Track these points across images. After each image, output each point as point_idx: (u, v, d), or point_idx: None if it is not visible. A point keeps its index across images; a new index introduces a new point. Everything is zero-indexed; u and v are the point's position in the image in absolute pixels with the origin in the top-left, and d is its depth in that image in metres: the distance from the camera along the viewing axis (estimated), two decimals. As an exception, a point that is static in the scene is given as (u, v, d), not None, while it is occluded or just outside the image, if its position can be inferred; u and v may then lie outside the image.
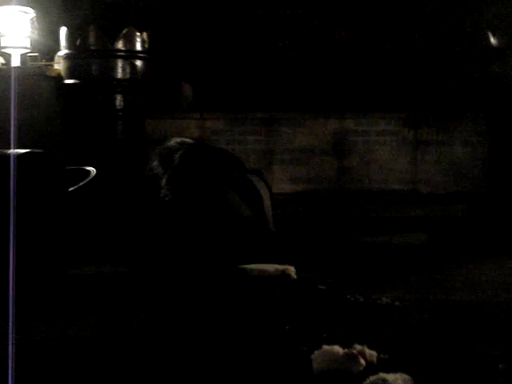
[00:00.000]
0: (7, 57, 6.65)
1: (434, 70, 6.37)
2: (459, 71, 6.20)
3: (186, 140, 4.75)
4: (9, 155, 4.01)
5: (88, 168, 4.89)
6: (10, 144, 4.01)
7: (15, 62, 6.58)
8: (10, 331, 2.46)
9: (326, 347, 2.25)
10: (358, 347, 2.28)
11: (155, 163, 4.59)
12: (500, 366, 2.23)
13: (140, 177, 4.79)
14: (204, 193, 4.32)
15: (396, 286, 3.48)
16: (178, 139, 4.75)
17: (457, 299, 3.21)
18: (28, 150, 4.21)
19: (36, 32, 6.72)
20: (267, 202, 4.32)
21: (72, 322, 2.83)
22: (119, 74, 6.51)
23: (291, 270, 3.74)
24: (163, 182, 4.48)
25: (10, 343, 2.35)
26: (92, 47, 6.48)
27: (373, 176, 6.56)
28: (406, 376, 1.99)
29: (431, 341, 2.54)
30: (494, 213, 5.49)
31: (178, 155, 4.55)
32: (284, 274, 3.70)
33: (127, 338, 2.61)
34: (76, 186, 4.58)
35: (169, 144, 4.69)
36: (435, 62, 6.36)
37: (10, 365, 1.98)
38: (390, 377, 1.95)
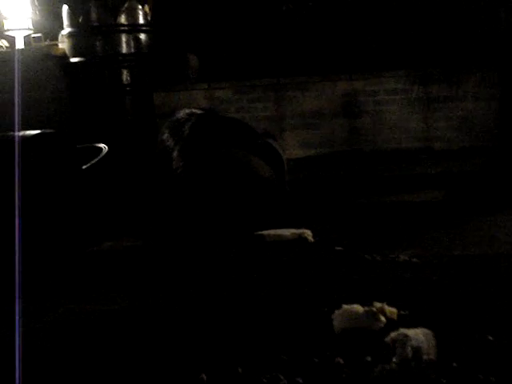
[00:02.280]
0: (11, 40, 6.64)
1: (441, 25, 6.27)
2: (467, 23, 6.10)
3: (195, 111, 4.73)
4: (21, 138, 4.02)
5: (99, 145, 4.90)
6: (18, 126, 4.02)
7: (19, 44, 6.57)
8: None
9: (345, 306, 2.26)
10: (378, 305, 2.28)
11: (165, 136, 4.58)
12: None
13: (151, 150, 4.79)
14: (224, 160, 4.30)
15: (413, 244, 3.47)
16: (187, 110, 4.73)
17: (474, 253, 3.20)
18: (39, 131, 4.22)
19: (38, 13, 6.69)
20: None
21: (102, 298, 2.85)
22: (124, 49, 6.48)
23: (308, 233, 3.74)
24: (175, 153, 4.47)
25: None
26: (94, 24, 6.44)
27: (385, 136, 6.52)
28: (426, 330, 2.00)
29: (450, 295, 2.54)
30: (508, 166, 5.43)
31: (187, 126, 4.53)
32: (301, 238, 3.70)
33: (159, 310, 2.63)
34: (89, 164, 4.60)
35: (178, 116, 4.67)
36: (441, 15, 6.26)
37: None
38: (410, 332, 1.96)
